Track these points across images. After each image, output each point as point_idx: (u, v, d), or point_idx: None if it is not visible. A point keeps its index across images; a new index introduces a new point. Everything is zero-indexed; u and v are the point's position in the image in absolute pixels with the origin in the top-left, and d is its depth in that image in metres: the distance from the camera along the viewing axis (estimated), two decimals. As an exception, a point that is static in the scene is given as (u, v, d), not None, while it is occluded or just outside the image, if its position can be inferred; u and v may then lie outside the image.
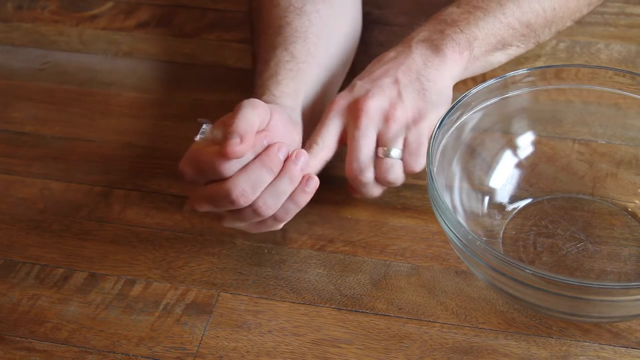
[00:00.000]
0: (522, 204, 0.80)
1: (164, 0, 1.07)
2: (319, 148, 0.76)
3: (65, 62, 1.00)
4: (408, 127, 0.76)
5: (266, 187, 0.70)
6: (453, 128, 0.76)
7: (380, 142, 0.76)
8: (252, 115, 0.69)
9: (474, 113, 0.78)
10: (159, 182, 0.86)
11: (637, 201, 0.79)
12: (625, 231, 0.77)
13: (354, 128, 0.76)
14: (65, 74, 0.99)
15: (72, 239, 0.82)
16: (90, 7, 1.07)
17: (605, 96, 0.79)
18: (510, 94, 0.79)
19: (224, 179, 0.69)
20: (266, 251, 0.79)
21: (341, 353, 0.72)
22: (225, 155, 0.68)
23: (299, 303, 0.75)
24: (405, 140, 0.76)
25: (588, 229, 0.78)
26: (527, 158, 0.82)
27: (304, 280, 0.77)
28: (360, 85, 0.78)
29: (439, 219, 0.70)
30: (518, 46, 0.85)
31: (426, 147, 0.75)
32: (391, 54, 0.81)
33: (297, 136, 0.75)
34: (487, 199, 0.80)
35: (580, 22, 0.91)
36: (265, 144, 0.70)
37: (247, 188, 0.69)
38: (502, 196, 0.80)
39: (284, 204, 0.71)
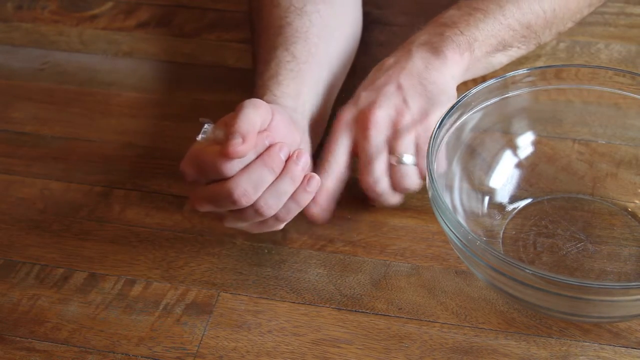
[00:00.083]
0: (522, 204, 0.80)
1: (164, 0, 1.07)
2: (331, 166, 0.76)
3: (65, 62, 1.00)
4: (417, 131, 0.76)
5: (268, 187, 0.70)
6: (453, 128, 0.76)
7: (391, 151, 0.76)
8: (254, 115, 0.69)
9: (474, 113, 0.78)
10: (159, 182, 0.85)
11: (637, 201, 0.79)
12: (625, 231, 0.77)
13: (364, 140, 0.76)
14: (65, 74, 0.99)
15: (72, 239, 0.82)
16: (90, 7, 1.07)
17: (605, 96, 0.79)
18: (510, 94, 0.79)
19: (225, 179, 0.69)
20: (266, 251, 0.79)
21: (341, 353, 0.72)
22: (227, 155, 0.68)
23: (299, 303, 0.75)
24: (416, 145, 0.76)
25: (588, 229, 0.78)
26: (527, 158, 0.82)
27: (304, 280, 0.77)
28: (364, 95, 0.78)
29: (439, 219, 0.70)
30: (519, 47, 0.85)
31: None
32: (391, 60, 0.81)
33: (298, 136, 0.75)
34: (487, 199, 0.80)
35: (580, 22, 0.91)
36: (267, 144, 0.70)
37: (248, 188, 0.69)
38: (502, 196, 0.80)
39: (285, 203, 0.71)
